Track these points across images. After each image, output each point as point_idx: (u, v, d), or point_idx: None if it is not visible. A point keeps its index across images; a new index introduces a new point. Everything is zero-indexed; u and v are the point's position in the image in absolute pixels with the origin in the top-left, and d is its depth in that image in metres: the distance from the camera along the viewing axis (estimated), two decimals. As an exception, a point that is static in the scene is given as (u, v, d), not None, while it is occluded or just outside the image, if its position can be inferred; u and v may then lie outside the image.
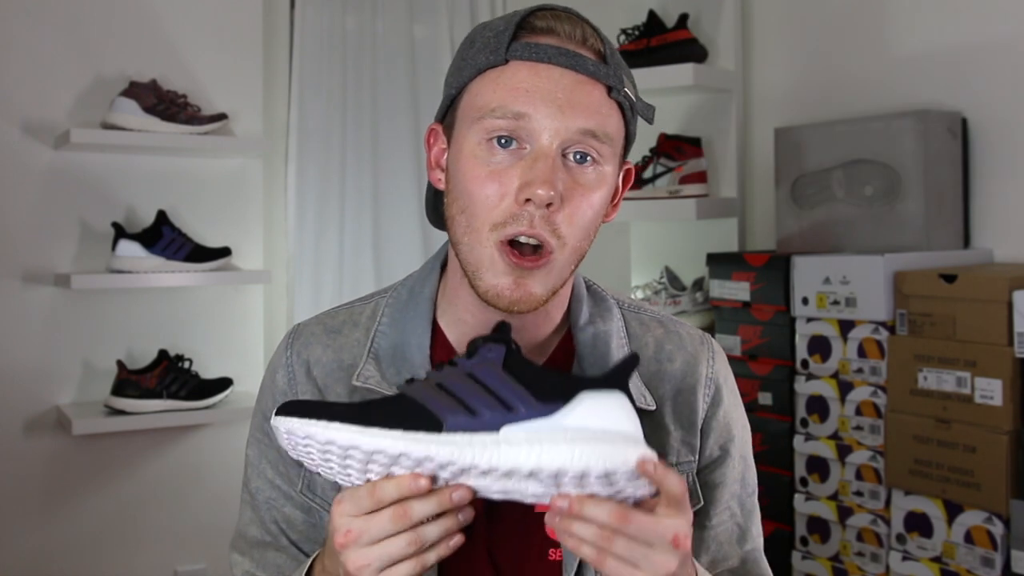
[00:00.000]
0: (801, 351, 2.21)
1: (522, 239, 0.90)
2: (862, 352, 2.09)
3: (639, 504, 0.80)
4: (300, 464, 0.87)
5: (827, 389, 2.15)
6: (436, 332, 1.02)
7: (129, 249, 2.36)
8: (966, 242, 2.29)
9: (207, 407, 2.44)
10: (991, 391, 1.87)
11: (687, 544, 0.80)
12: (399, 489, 0.78)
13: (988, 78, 2.26)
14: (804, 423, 2.21)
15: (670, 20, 2.69)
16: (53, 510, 2.42)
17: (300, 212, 2.76)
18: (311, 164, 2.78)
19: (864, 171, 2.22)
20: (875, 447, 2.07)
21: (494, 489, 0.80)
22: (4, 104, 2.37)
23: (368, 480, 0.80)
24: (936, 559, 1.96)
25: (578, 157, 0.92)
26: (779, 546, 2.23)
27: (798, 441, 2.22)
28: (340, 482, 0.82)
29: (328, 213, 2.81)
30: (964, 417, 1.91)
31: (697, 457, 1.03)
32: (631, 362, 0.84)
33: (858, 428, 2.10)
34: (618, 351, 1.02)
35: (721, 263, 2.43)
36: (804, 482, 2.21)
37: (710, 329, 2.43)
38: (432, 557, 0.80)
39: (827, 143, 2.30)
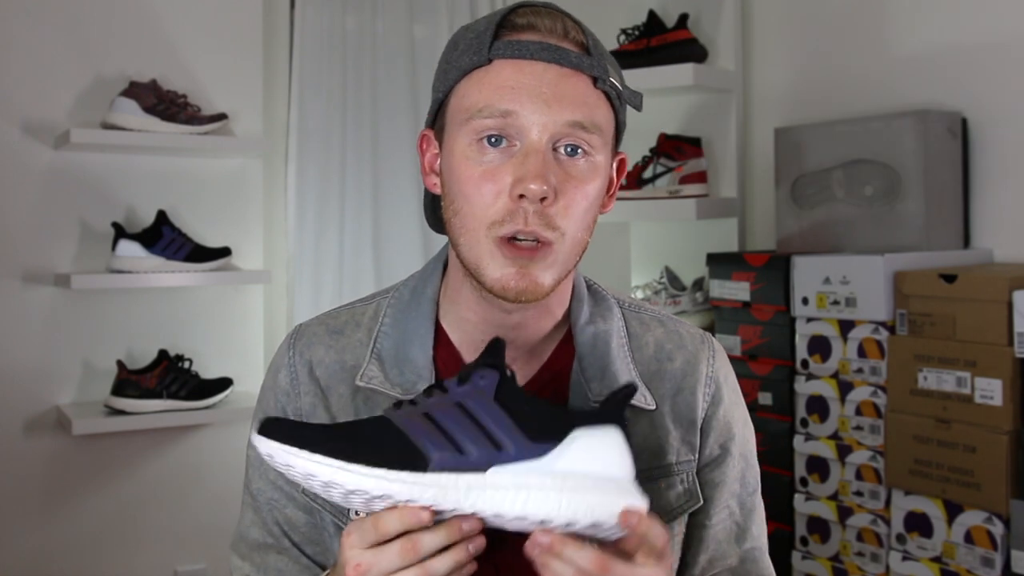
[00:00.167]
0: (801, 351, 2.21)
1: (519, 237, 0.90)
2: (862, 352, 2.09)
3: (619, 544, 0.80)
4: None
5: (827, 389, 2.15)
6: (439, 332, 1.02)
7: (129, 249, 2.36)
8: (966, 242, 2.29)
9: (207, 407, 2.44)
10: (991, 391, 1.87)
11: None
12: (402, 522, 0.77)
13: (988, 78, 2.26)
14: (804, 423, 2.21)
15: (670, 20, 2.69)
16: (53, 510, 2.42)
17: (300, 212, 2.76)
18: (311, 164, 2.78)
19: (864, 171, 2.22)
20: (875, 447, 2.07)
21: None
22: (4, 104, 2.37)
23: (353, 502, 0.79)
24: (936, 559, 1.96)
25: (569, 150, 0.92)
26: (779, 546, 2.23)
27: (798, 441, 2.22)
28: (324, 497, 0.81)
29: (328, 213, 2.81)
30: (964, 417, 1.91)
31: (697, 456, 1.03)
32: (627, 392, 0.83)
33: (858, 428, 2.10)
34: (618, 351, 1.02)
35: (721, 263, 2.44)
36: (804, 482, 2.22)
37: (710, 329, 2.43)
38: None
39: (827, 143, 2.30)
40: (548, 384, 1.01)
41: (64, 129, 2.36)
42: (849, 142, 2.25)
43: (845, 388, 2.12)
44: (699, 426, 1.03)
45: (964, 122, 2.28)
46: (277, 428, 0.78)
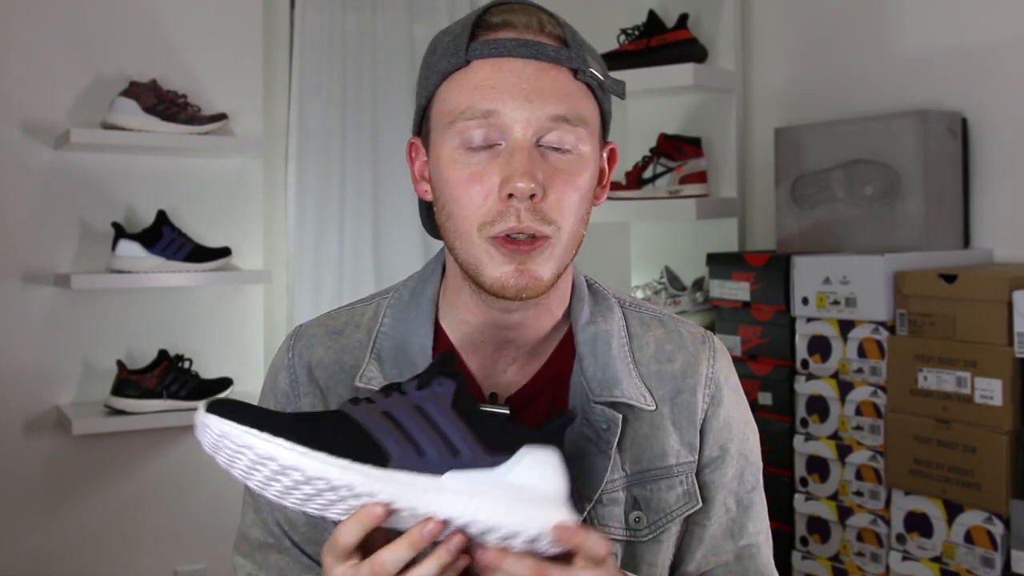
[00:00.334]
0: (801, 351, 2.21)
1: (514, 235, 0.90)
2: (862, 352, 2.09)
3: (559, 558, 0.81)
4: None
5: (827, 389, 2.15)
6: (438, 332, 1.02)
7: (129, 249, 2.36)
8: (966, 242, 2.29)
9: (207, 407, 2.44)
10: (991, 391, 1.87)
11: None
12: (361, 523, 0.76)
13: (988, 78, 2.26)
14: (804, 423, 2.21)
15: (670, 20, 2.69)
16: (53, 510, 2.42)
17: (300, 212, 2.76)
18: (311, 164, 2.78)
19: (864, 171, 2.22)
20: (875, 447, 2.07)
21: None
22: (4, 104, 2.37)
23: (289, 496, 0.77)
24: (936, 559, 1.96)
25: (554, 144, 0.92)
26: (779, 546, 2.22)
27: (798, 441, 2.22)
28: (255, 489, 0.79)
29: (328, 213, 2.81)
30: (964, 417, 1.91)
31: (697, 457, 1.03)
32: (567, 420, 0.85)
33: (858, 428, 2.10)
34: (619, 351, 1.02)
35: (721, 263, 2.43)
36: (804, 482, 2.22)
37: (710, 329, 2.43)
38: None
39: (827, 143, 2.30)
40: (548, 384, 1.01)
41: (64, 129, 2.36)
42: (849, 142, 2.25)
43: (845, 388, 2.12)
44: (699, 427, 1.03)
45: (964, 122, 2.28)
46: (232, 408, 0.76)
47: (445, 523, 0.77)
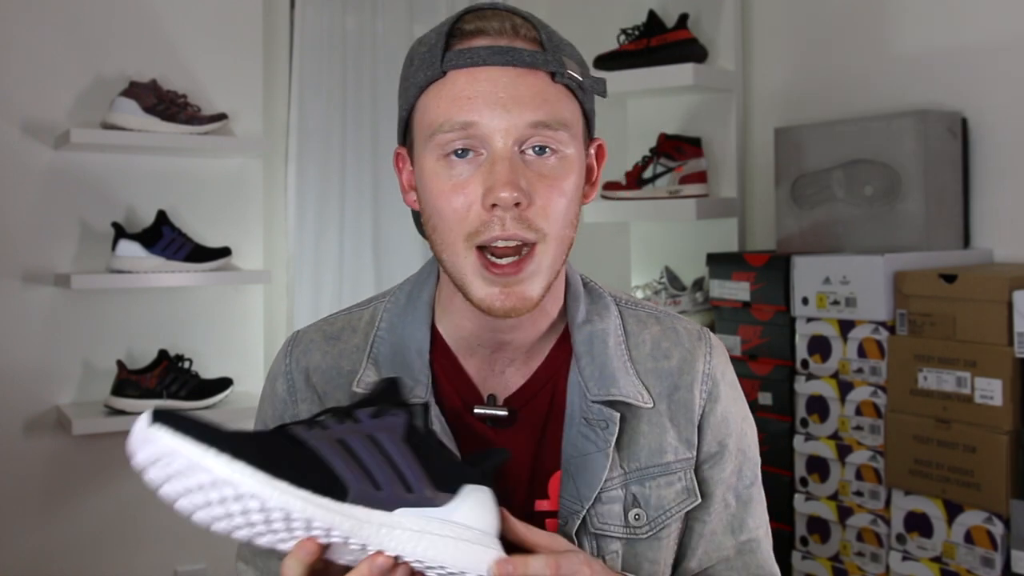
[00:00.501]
0: (801, 351, 2.21)
1: (500, 243, 0.89)
2: (862, 352, 2.09)
3: None
4: None
5: (827, 389, 2.15)
6: (435, 336, 1.02)
7: (129, 249, 2.36)
8: (966, 242, 2.29)
9: (207, 407, 2.44)
10: (991, 391, 1.87)
11: None
12: (299, 560, 0.76)
13: (988, 78, 2.26)
14: (804, 423, 2.21)
15: (670, 20, 2.69)
16: (53, 510, 2.42)
17: (300, 212, 2.76)
18: (311, 164, 2.78)
19: (864, 171, 2.22)
20: (875, 447, 2.07)
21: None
22: (4, 104, 2.37)
23: (227, 521, 0.72)
24: (936, 559, 1.96)
25: (536, 150, 0.91)
26: (779, 546, 2.22)
27: (798, 441, 2.22)
28: (183, 512, 0.72)
29: (328, 213, 2.82)
30: (964, 417, 1.91)
31: (695, 453, 1.03)
32: (502, 458, 0.86)
33: (858, 428, 2.10)
34: (616, 349, 1.02)
35: (721, 263, 2.43)
36: (804, 482, 2.21)
37: (710, 329, 2.43)
38: None
39: (827, 143, 2.30)
40: (546, 384, 1.01)
41: (64, 129, 2.36)
42: (849, 142, 2.25)
43: (845, 388, 2.12)
44: (697, 423, 1.03)
45: (964, 122, 2.28)
46: (180, 421, 0.69)
47: (395, 559, 0.77)
